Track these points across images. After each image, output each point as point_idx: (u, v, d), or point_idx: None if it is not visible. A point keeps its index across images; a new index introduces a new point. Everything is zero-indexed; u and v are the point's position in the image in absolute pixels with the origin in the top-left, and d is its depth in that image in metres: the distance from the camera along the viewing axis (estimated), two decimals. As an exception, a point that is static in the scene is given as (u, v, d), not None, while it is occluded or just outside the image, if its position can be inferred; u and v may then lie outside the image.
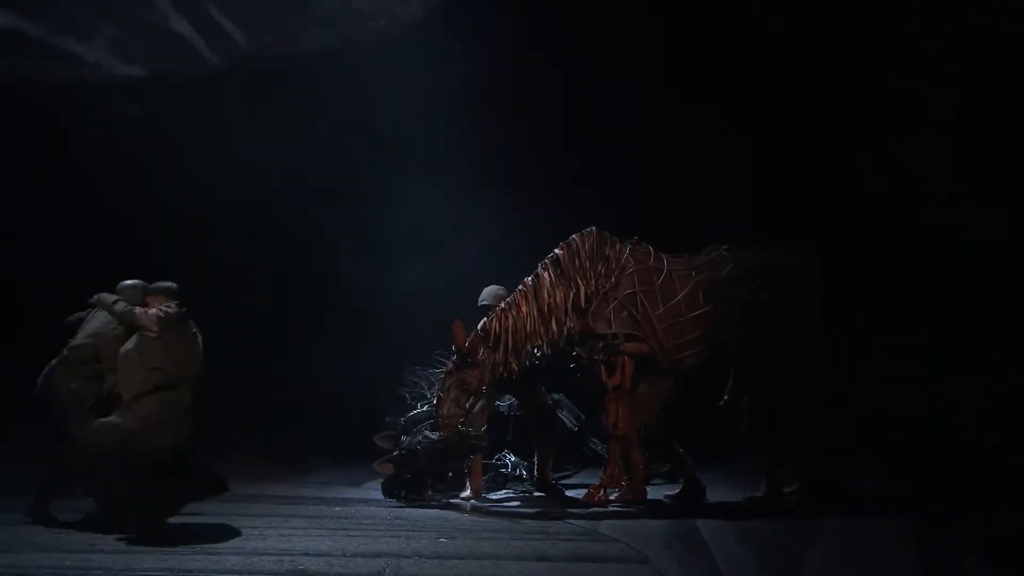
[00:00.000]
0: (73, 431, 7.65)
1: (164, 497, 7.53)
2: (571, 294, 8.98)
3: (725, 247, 9.43)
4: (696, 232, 9.99)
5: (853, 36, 11.73)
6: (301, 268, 13.37)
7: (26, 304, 12.45)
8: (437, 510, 8.74)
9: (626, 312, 9.03)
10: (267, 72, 13.03)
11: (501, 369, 8.93)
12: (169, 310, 7.77)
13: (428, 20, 12.82)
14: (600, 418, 9.30)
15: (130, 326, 7.85)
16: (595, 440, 10.65)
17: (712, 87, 12.37)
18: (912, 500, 8.95)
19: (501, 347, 8.88)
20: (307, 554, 6.56)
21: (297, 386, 12.57)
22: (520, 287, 9.10)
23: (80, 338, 7.99)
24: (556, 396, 10.44)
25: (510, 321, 8.91)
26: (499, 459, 10.23)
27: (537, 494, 9.67)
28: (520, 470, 10.16)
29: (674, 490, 9.44)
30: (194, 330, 7.90)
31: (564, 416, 10.49)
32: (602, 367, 9.03)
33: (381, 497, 9.27)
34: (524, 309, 8.94)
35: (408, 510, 8.74)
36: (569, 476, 10.57)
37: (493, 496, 9.63)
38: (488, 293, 9.67)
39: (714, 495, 9.32)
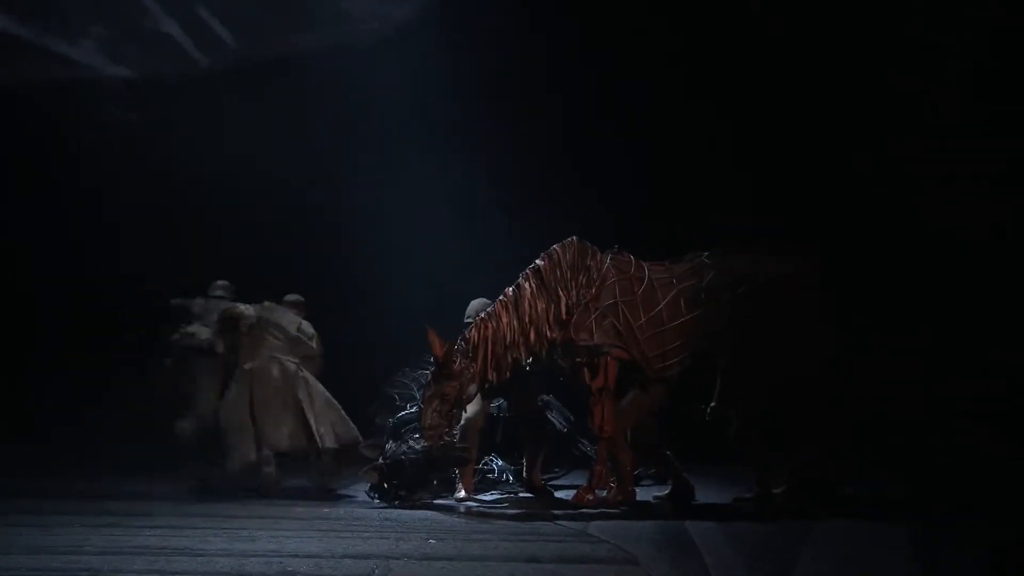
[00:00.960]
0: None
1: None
2: (552, 305, 8.96)
3: (706, 254, 9.43)
4: (695, 234, 10.02)
5: (853, 35, 11.76)
6: (291, 268, 13.33)
7: (13, 304, 12.46)
8: (426, 511, 8.73)
9: (608, 322, 9.00)
10: (257, 74, 13.03)
11: (481, 380, 8.91)
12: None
13: (421, 22, 12.82)
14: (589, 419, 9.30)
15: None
16: (584, 441, 10.64)
17: (711, 87, 12.37)
18: (905, 501, 8.99)
19: (480, 358, 8.84)
20: (296, 556, 6.53)
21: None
22: (501, 297, 9.07)
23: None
24: (545, 397, 10.43)
25: (490, 331, 8.87)
26: (486, 463, 10.24)
27: (526, 495, 9.66)
28: (507, 475, 10.16)
29: (663, 491, 9.45)
30: None
31: (553, 417, 10.48)
32: (584, 369, 9.03)
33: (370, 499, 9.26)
34: (505, 319, 8.90)
35: (397, 511, 8.72)
36: (558, 477, 10.56)
37: (482, 498, 9.62)
38: (473, 309, 9.63)
39: (703, 496, 9.33)
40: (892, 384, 10.50)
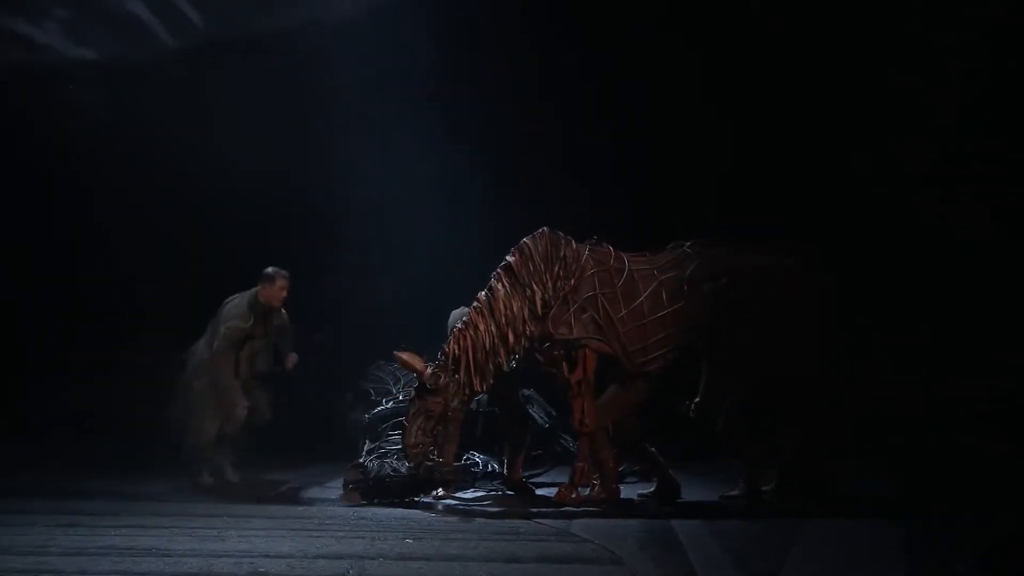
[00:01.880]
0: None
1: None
2: (527, 302, 8.92)
3: (689, 244, 9.43)
4: (677, 224, 10.02)
5: (852, 33, 11.81)
6: (261, 260, 13.28)
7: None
8: (403, 510, 8.71)
9: (587, 315, 8.98)
10: (229, 55, 12.95)
11: (467, 391, 8.86)
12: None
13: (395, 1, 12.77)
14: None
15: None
16: (567, 437, 10.64)
17: (702, 76, 12.37)
18: (898, 500, 9.01)
19: (462, 369, 8.78)
20: (268, 556, 6.51)
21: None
22: (475, 303, 9.00)
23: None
24: (527, 392, 10.43)
25: (468, 341, 8.81)
26: (467, 458, 10.22)
27: (507, 493, 9.66)
28: (491, 465, 10.14)
29: (648, 489, 9.46)
30: None
31: (535, 412, 10.48)
32: (563, 363, 9.03)
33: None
34: (482, 327, 8.83)
35: (373, 510, 8.71)
36: (540, 474, 10.56)
37: (461, 495, 9.61)
38: (453, 320, 9.55)
39: (690, 494, 9.33)
40: (884, 381, 10.60)
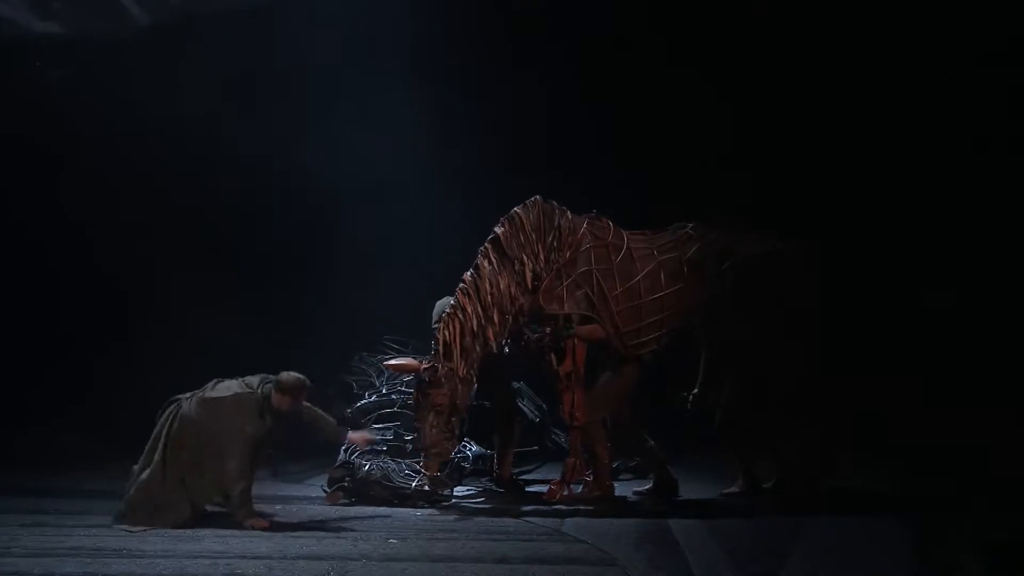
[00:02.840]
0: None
1: None
2: (515, 276, 8.86)
3: (691, 226, 9.39)
4: (678, 206, 10.02)
5: (847, 24, 11.86)
6: (239, 236, 13.23)
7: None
8: (388, 508, 8.68)
9: (581, 291, 8.95)
10: (201, 28, 12.85)
11: (469, 377, 8.79)
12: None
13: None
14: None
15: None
16: (558, 432, 10.60)
17: (705, 70, 12.37)
18: (900, 497, 9.04)
19: (455, 356, 8.71)
20: (244, 557, 6.50)
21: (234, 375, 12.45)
22: (461, 284, 8.91)
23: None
24: (516, 384, 10.38)
25: (457, 325, 8.75)
26: (459, 452, 10.16)
27: (496, 490, 9.63)
28: (482, 459, 10.08)
29: (644, 486, 9.44)
30: None
31: (525, 406, 10.44)
32: (552, 354, 8.98)
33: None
34: (469, 308, 8.77)
35: (356, 508, 8.68)
36: (530, 471, 10.54)
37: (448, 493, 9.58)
38: (438, 310, 9.38)
39: (687, 491, 9.32)
40: (885, 376, 10.64)
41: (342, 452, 9.30)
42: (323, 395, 10.67)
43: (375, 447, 9.31)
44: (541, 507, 8.68)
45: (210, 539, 7.08)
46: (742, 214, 9.78)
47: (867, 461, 10.07)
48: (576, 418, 8.91)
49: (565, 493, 8.94)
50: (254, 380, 8.08)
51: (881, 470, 10.03)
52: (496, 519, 8.22)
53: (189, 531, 7.34)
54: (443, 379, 8.63)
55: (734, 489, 9.27)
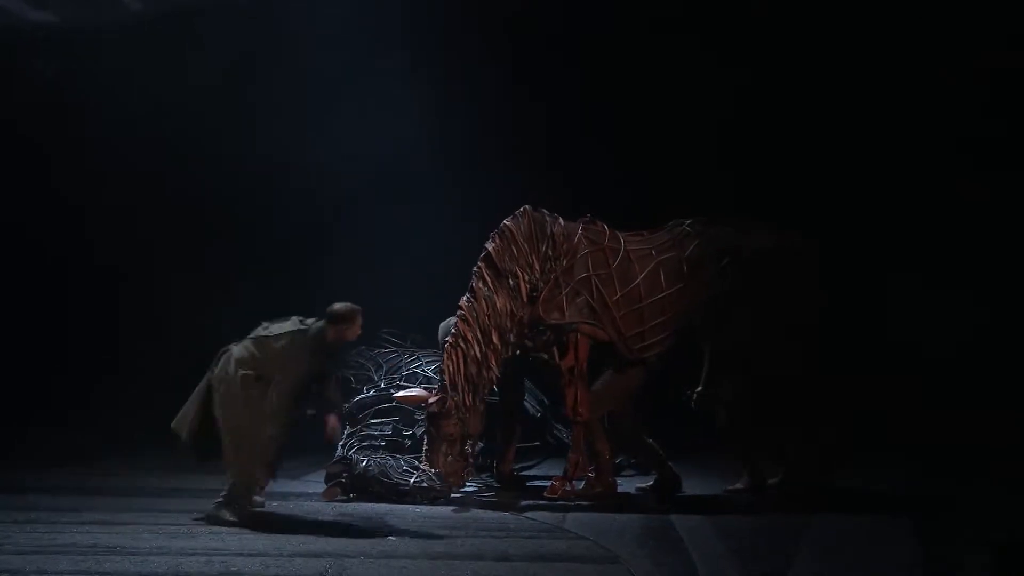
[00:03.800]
0: None
1: None
2: (511, 292, 8.85)
3: (689, 223, 9.35)
4: (675, 203, 9.99)
5: (847, 24, 11.88)
6: (235, 230, 13.22)
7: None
8: (386, 505, 8.65)
9: (581, 299, 8.92)
10: (196, 18, 12.84)
11: (477, 406, 8.83)
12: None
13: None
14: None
15: None
16: (560, 427, 10.59)
17: (706, 70, 12.37)
18: (906, 495, 9.03)
19: (460, 387, 8.72)
20: (240, 554, 6.48)
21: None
22: (459, 311, 8.91)
23: None
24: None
25: (460, 355, 8.76)
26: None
27: (497, 487, 9.60)
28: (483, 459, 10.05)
29: (647, 482, 9.42)
30: None
31: (527, 402, 10.42)
32: (554, 348, 8.95)
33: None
34: (470, 336, 8.79)
35: (354, 505, 8.65)
36: (532, 467, 10.52)
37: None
38: (443, 332, 9.46)
39: (691, 488, 9.32)
40: (885, 376, 10.66)
41: (339, 448, 9.28)
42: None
43: (373, 443, 9.30)
44: (542, 503, 8.65)
45: (205, 536, 7.07)
46: (743, 214, 9.74)
47: (867, 461, 10.05)
48: (579, 414, 8.89)
49: (567, 489, 8.91)
50: (308, 320, 8.11)
51: (881, 470, 10.01)
52: (497, 515, 8.21)
53: (183, 528, 7.32)
54: (452, 410, 8.67)
55: (739, 485, 9.25)
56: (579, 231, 9.10)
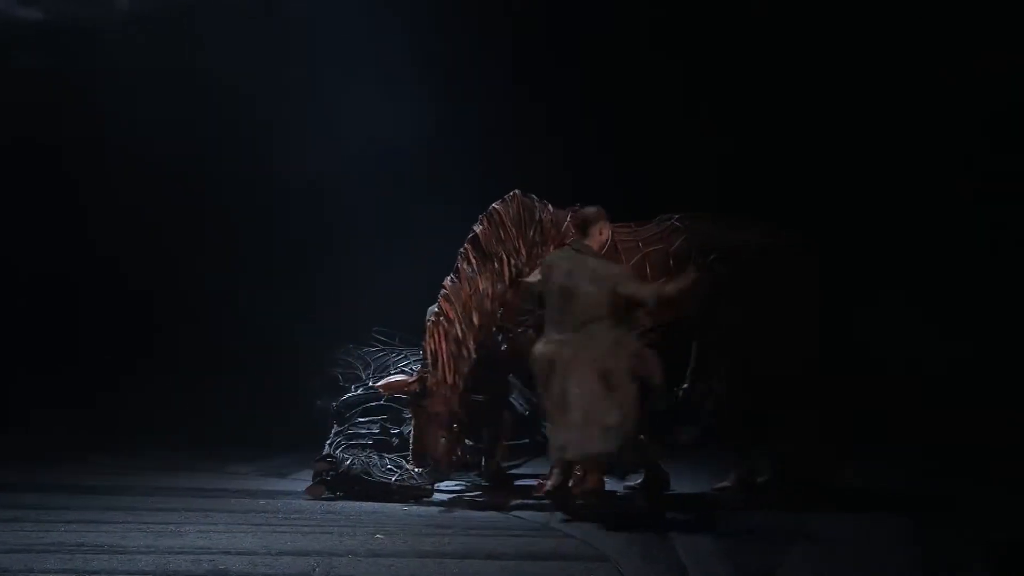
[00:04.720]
0: None
1: None
2: (495, 275, 8.88)
3: (677, 217, 9.36)
4: (664, 197, 10.01)
5: (847, 24, 11.91)
6: (226, 227, 13.21)
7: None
8: (374, 503, 8.65)
9: None
10: (186, 15, 12.82)
11: (457, 385, 8.81)
12: None
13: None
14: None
15: None
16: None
17: (705, 69, 12.41)
18: (899, 494, 9.05)
19: (441, 365, 8.73)
20: (228, 552, 6.46)
21: (216, 366, 12.44)
22: (442, 291, 8.94)
23: None
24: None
25: (441, 333, 8.78)
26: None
27: (485, 484, 9.61)
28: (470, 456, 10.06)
29: (635, 480, 9.43)
30: None
31: (514, 399, 10.42)
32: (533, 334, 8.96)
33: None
34: (452, 314, 8.81)
35: (342, 503, 8.65)
36: (519, 465, 10.52)
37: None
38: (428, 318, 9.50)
39: (679, 486, 9.33)
40: (885, 376, 10.68)
41: (326, 446, 9.29)
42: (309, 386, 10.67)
43: (360, 441, 9.31)
44: (530, 502, 8.67)
45: (193, 534, 7.05)
46: (743, 213, 9.76)
47: (867, 461, 10.07)
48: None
49: (555, 487, 8.91)
50: None
51: (881, 470, 10.03)
52: (485, 514, 8.22)
53: (171, 526, 7.30)
54: (437, 386, 8.67)
55: (726, 484, 9.26)
56: (568, 219, 9.11)
